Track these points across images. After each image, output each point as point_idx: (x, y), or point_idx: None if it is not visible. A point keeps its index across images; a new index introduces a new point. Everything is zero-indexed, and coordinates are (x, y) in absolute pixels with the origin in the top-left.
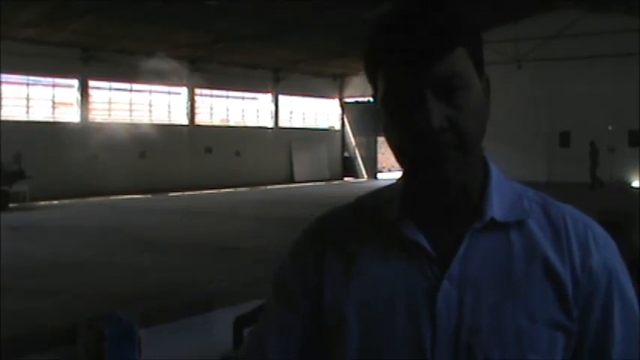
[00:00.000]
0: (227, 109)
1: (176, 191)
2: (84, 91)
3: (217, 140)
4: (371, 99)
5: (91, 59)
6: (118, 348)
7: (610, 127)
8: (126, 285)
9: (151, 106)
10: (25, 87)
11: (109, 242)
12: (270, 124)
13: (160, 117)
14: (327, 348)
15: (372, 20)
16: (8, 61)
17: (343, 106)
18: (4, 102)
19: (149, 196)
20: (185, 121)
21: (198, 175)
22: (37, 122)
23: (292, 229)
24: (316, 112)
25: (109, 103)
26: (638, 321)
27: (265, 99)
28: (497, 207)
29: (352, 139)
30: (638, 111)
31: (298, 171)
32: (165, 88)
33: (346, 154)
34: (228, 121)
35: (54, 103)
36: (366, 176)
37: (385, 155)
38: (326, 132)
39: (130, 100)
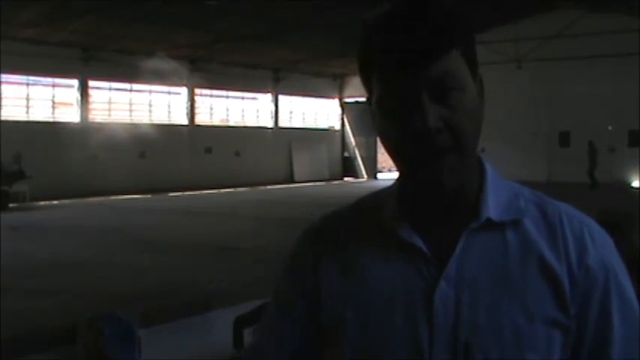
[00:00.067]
0: (227, 109)
1: (176, 191)
2: (84, 91)
3: (217, 140)
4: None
5: (91, 59)
6: (118, 348)
7: (610, 127)
8: (126, 285)
9: (150, 106)
10: (25, 87)
11: (109, 242)
12: (270, 124)
13: (160, 117)
14: (326, 348)
15: (366, 22)
16: (8, 61)
17: (343, 106)
18: (4, 102)
19: (149, 196)
20: (185, 121)
21: (198, 175)
22: (37, 122)
23: (292, 229)
24: (316, 112)
25: (109, 103)
26: (637, 319)
27: (265, 99)
28: (493, 207)
29: (352, 139)
30: (638, 111)
31: (298, 171)
32: (165, 88)
33: (346, 154)
34: (228, 121)
35: (54, 103)
36: (365, 176)
37: (385, 155)
38: (326, 132)
39: (130, 100)
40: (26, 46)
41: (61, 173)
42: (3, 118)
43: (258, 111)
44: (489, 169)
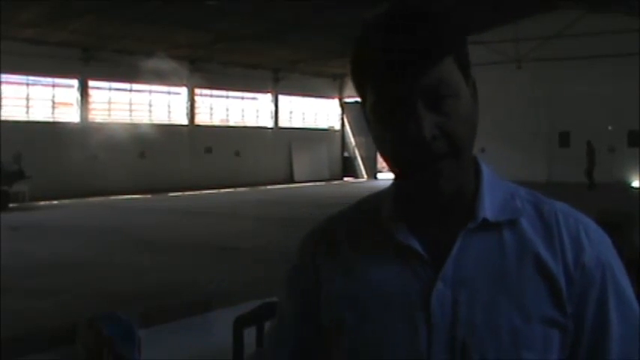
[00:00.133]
0: (227, 109)
1: (176, 191)
2: (84, 91)
3: (217, 140)
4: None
5: (90, 59)
6: (117, 348)
7: (610, 127)
8: (126, 285)
9: (150, 106)
10: (25, 87)
11: (109, 242)
12: (269, 124)
13: (160, 117)
14: (325, 348)
15: (359, 28)
16: (8, 61)
17: (343, 106)
18: (4, 102)
19: (149, 196)
20: (185, 121)
21: (198, 175)
22: (37, 122)
23: (292, 229)
24: (316, 112)
25: (109, 103)
26: (636, 318)
27: (265, 99)
28: (489, 207)
29: (352, 139)
30: (638, 111)
31: (298, 171)
32: (165, 88)
33: (346, 154)
34: (228, 121)
35: (54, 103)
36: (365, 176)
37: None
38: (326, 132)
39: (130, 100)
40: (26, 46)
41: (61, 173)
42: (3, 118)
43: (258, 111)
44: (485, 169)
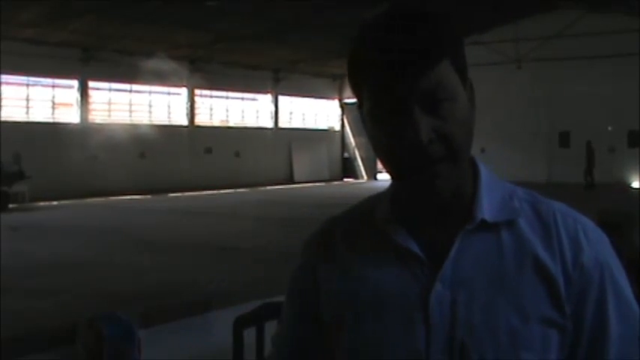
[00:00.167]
0: (227, 110)
1: (176, 192)
2: (84, 91)
3: (217, 141)
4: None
5: (90, 59)
6: (117, 348)
7: (610, 128)
8: (126, 285)
9: (150, 106)
10: (24, 87)
11: (109, 242)
12: (269, 124)
13: (160, 117)
14: (326, 348)
15: (356, 32)
16: (8, 61)
17: (343, 106)
18: (4, 102)
19: (149, 196)
20: (185, 122)
21: (198, 176)
22: (37, 123)
23: (292, 229)
24: (316, 112)
25: (109, 103)
26: (635, 317)
27: (265, 99)
28: (487, 208)
29: (352, 140)
30: (638, 111)
31: (298, 171)
32: (165, 89)
33: (346, 155)
34: (227, 121)
35: (54, 103)
36: (365, 177)
37: None
38: (326, 132)
39: (130, 100)
40: (26, 46)
41: (61, 174)
42: (3, 119)
43: (258, 111)
44: (483, 169)
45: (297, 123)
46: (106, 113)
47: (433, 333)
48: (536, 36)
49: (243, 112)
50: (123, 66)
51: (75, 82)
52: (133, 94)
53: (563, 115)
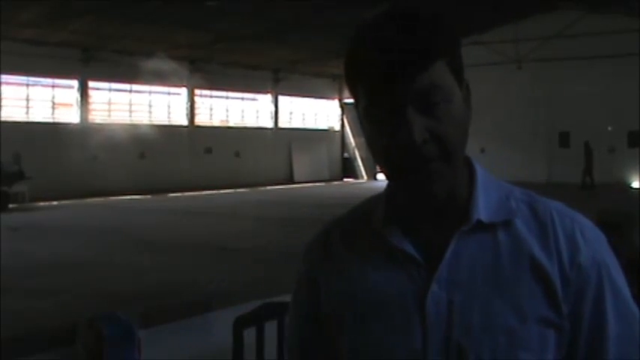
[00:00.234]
0: (227, 110)
1: (176, 192)
2: (84, 91)
3: (217, 141)
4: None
5: (90, 60)
6: (117, 348)
7: (610, 128)
8: (126, 285)
9: (150, 106)
10: (24, 87)
11: (109, 242)
12: (269, 124)
13: (160, 118)
14: (328, 348)
15: (350, 30)
16: (8, 61)
17: (343, 106)
18: (4, 102)
19: (149, 196)
20: (185, 122)
21: (198, 176)
22: (37, 123)
23: (292, 229)
24: (316, 112)
25: (109, 103)
26: (635, 317)
27: (265, 99)
28: (483, 208)
29: (352, 140)
30: (637, 111)
31: (298, 171)
32: (165, 89)
33: (346, 155)
34: (227, 121)
35: (54, 103)
36: (365, 177)
37: None
38: (326, 132)
39: (130, 100)
40: (26, 46)
41: (61, 174)
42: (3, 119)
43: (258, 111)
44: (479, 170)
45: (297, 123)
46: (106, 113)
47: (430, 334)
48: (536, 36)
49: (243, 112)
50: (123, 66)
51: (75, 82)
52: (133, 94)
53: (563, 115)
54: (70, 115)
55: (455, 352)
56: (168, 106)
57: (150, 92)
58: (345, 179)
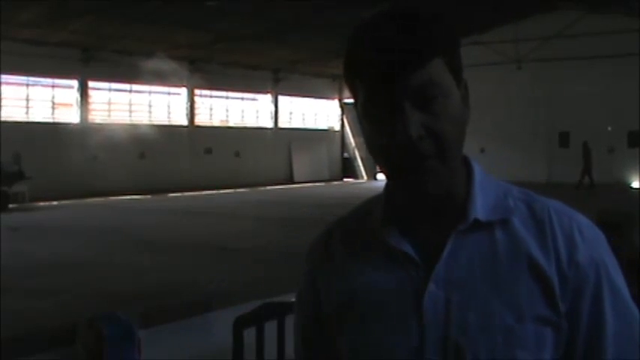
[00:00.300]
0: (227, 110)
1: (176, 192)
2: (83, 91)
3: (217, 141)
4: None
5: (90, 60)
6: (117, 348)
7: (609, 128)
8: (126, 285)
9: (150, 106)
10: (24, 87)
11: (109, 242)
12: (269, 124)
13: (160, 118)
14: (330, 348)
15: (350, 30)
16: (8, 61)
17: (343, 106)
18: (4, 102)
19: (149, 196)
20: (185, 122)
21: (198, 176)
22: (37, 123)
23: (292, 229)
24: (316, 112)
25: (109, 103)
26: (634, 316)
27: (265, 99)
28: (480, 207)
29: (352, 140)
30: (637, 111)
31: (298, 171)
32: (165, 89)
33: (346, 155)
34: (227, 121)
35: (53, 103)
36: (365, 177)
37: None
38: (326, 132)
39: (130, 100)
40: (26, 46)
41: (61, 174)
42: (3, 119)
43: (257, 111)
44: (477, 169)
45: (297, 123)
46: (106, 113)
47: (427, 333)
48: (536, 36)
49: (243, 112)
50: (123, 66)
51: (75, 82)
52: (132, 94)
53: (563, 116)
54: (70, 115)
55: (452, 352)
56: (168, 106)
57: (150, 92)
58: (345, 179)
